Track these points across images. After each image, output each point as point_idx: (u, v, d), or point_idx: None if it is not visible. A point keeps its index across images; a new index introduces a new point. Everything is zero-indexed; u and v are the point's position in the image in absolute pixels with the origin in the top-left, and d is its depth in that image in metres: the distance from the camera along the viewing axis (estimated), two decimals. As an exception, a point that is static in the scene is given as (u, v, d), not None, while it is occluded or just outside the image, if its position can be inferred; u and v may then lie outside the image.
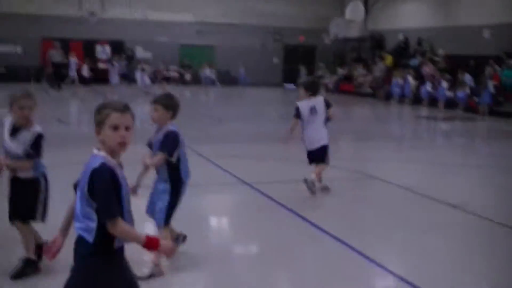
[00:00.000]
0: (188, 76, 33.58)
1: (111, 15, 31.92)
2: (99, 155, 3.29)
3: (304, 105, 8.63)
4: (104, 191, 3.21)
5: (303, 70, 34.36)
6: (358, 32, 34.61)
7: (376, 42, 33.78)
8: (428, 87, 24.70)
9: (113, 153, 3.35)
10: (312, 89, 8.76)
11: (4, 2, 30.15)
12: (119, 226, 3.22)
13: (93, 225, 3.23)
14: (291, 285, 5.51)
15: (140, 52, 33.23)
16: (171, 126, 5.37)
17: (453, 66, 26.35)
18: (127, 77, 30.21)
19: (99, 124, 3.34)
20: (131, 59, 32.30)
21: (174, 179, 5.42)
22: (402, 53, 31.15)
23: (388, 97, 27.39)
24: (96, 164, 3.24)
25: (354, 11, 29.31)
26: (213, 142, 13.38)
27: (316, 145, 8.61)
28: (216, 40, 34.25)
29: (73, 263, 3.31)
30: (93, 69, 32.21)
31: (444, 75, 24.91)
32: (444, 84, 23.92)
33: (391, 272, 5.54)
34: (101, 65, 32.51)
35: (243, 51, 34.20)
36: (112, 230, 3.22)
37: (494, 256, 6.27)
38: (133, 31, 32.56)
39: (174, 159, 5.32)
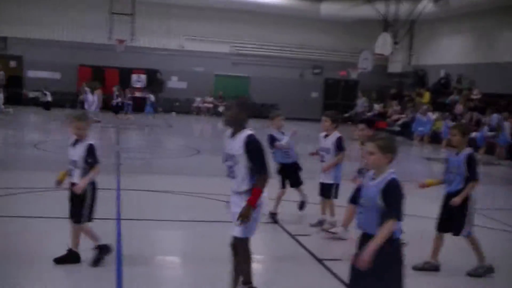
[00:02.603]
0: (221, 108, 33.15)
1: (147, 44, 32.10)
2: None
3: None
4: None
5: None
6: (401, 68, 33.31)
7: (419, 78, 32.21)
8: (447, 126, 23.02)
9: None
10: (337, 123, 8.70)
11: (44, 29, 30.94)
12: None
13: None
14: None
15: (175, 82, 33.18)
16: None
17: (487, 105, 24.60)
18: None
19: None
20: (161, 88, 32.28)
21: None
22: (441, 90, 29.49)
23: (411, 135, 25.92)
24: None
25: (383, 45, 28.01)
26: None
27: None
28: (252, 72, 33.78)
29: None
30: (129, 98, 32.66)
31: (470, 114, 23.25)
32: (465, 123, 22.16)
33: None
34: (137, 94, 32.77)
35: (280, 84, 33.52)
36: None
37: None
38: (169, 60, 32.59)
39: None
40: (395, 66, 33.74)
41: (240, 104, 5.47)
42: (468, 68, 28.40)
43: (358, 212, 4.51)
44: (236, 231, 5.39)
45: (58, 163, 13.68)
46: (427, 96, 29.30)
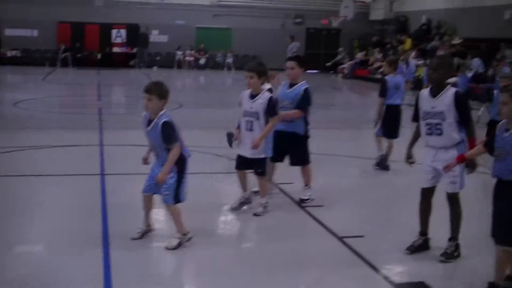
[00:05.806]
0: (202, 60, 32.99)
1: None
2: None
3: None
4: None
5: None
6: (383, 15, 33.17)
7: (401, 25, 32.11)
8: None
9: None
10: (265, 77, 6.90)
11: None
12: None
13: None
14: None
15: (155, 36, 32.82)
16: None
17: (468, 50, 24.68)
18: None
19: None
20: (146, 43, 31.83)
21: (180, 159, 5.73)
22: (422, 37, 29.48)
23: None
24: None
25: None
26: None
27: None
28: (233, 23, 33.48)
29: None
30: (108, 54, 32.35)
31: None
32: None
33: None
34: (116, 49, 32.46)
35: (262, 35, 33.23)
36: None
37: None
38: (149, 14, 32.14)
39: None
40: (377, 14, 33.57)
41: (446, 67, 5.61)
42: (449, 13, 28.34)
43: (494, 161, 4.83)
44: (448, 187, 5.62)
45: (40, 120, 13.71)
46: (409, 43, 29.28)
